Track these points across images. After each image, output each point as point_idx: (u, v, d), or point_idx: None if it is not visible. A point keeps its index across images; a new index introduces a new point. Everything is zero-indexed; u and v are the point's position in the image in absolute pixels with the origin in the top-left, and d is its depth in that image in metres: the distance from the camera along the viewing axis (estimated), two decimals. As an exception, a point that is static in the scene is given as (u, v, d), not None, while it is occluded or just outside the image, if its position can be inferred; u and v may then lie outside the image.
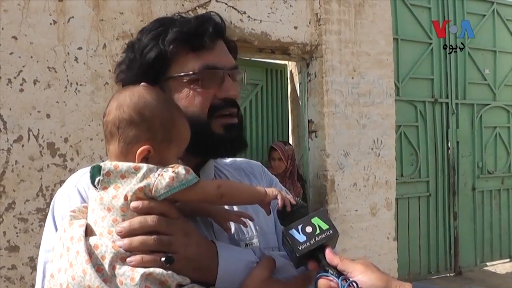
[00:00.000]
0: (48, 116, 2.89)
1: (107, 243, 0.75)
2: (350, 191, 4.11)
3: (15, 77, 2.80)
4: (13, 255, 2.76)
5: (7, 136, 2.78)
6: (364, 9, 4.22)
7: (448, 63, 5.15)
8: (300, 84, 4.28)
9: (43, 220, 2.76)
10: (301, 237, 0.81)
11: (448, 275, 5.16)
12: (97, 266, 0.73)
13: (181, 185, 0.78)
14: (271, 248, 0.98)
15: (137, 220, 0.77)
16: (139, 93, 0.83)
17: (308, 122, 4.18)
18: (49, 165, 2.88)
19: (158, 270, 0.75)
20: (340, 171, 4.04)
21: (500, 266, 5.48)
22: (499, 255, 5.59)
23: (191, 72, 0.91)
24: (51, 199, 0.93)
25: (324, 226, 0.82)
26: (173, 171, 0.78)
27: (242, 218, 0.93)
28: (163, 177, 0.77)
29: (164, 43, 0.91)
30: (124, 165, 0.79)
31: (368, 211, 4.22)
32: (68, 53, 2.95)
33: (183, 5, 3.33)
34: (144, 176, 0.78)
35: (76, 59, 2.97)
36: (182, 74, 0.91)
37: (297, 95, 4.36)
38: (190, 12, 3.21)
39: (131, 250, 0.75)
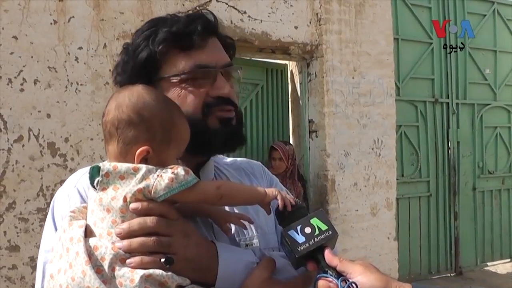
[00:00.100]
0: (48, 116, 2.89)
1: (106, 245, 0.75)
2: (351, 191, 4.10)
3: (15, 77, 2.80)
4: (14, 255, 2.76)
5: (7, 136, 2.78)
6: (364, 9, 4.21)
7: (449, 63, 5.15)
8: (300, 84, 4.27)
9: (44, 220, 2.74)
10: (300, 238, 0.80)
11: (449, 275, 5.15)
12: (97, 267, 0.73)
13: (181, 186, 0.77)
14: (272, 249, 0.97)
15: (136, 222, 0.77)
16: (138, 93, 0.83)
17: (309, 122, 4.17)
18: (50, 165, 2.88)
19: (158, 271, 0.74)
20: (340, 171, 4.04)
21: (500, 266, 5.47)
22: (500, 255, 5.58)
23: (181, 72, 0.90)
24: (51, 199, 0.92)
25: (323, 227, 0.81)
26: (172, 172, 0.78)
27: (242, 221, 0.92)
28: (162, 178, 0.77)
29: (154, 44, 0.90)
30: (123, 166, 0.78)
31: (369, 211, 4.21)
32: (69, 53, 2.95)
33: (183, 5, 3.32)
34: (143, 177, 0.77)
35: (76, 59, 2.97)
36: (173, 74, 0.91)
37: (297, 95, 4.35)
38: (190, 12, 3.21)
39: (130, 252, 0.75)
